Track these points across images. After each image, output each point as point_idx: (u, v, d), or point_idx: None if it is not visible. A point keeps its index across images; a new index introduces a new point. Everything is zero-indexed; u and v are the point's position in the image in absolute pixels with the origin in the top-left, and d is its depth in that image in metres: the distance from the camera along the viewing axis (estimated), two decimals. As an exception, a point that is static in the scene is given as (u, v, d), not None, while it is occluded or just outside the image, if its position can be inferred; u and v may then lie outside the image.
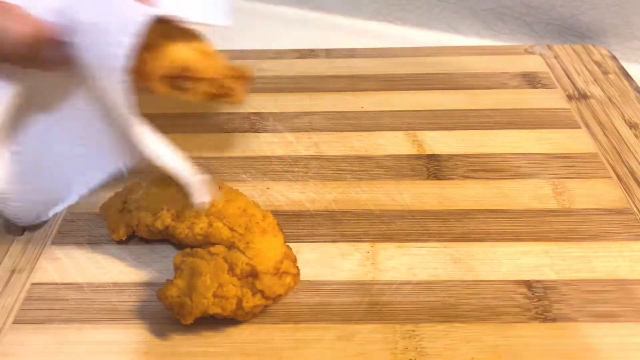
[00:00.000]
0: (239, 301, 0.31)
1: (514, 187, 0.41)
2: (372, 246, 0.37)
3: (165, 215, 0.34)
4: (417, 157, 0.44)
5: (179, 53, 0.34)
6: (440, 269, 0.35)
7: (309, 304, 0.33)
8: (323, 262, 0.36)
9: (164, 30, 0.34)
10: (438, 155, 0.44)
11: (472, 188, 0.41)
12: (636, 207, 0.39)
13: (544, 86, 0.51)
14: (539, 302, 0.33)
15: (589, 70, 0.53)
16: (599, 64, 0.54)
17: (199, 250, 0.32)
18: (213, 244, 0.32)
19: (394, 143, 0.45)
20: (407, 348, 0.31)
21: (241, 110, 0.48)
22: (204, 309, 0.30)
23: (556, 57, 0.55)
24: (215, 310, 0.30)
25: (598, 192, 0.40)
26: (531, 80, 0.52)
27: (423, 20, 0.66)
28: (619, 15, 0.58)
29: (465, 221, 0.38)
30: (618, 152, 0.44)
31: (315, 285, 0.34)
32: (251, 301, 0.31)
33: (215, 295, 0.30)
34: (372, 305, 0.33)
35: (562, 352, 0.31)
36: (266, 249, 0.32)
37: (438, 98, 0.50)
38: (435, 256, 0.36)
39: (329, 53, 0.56)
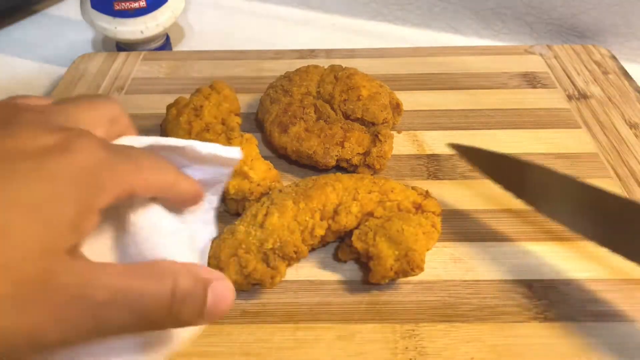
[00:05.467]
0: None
1: (514, 186, 0.41)
2: (372, 246, 0.37)
3: None
4: (417, 157, 0.44)
5: None
6: (440, 269, 0.35)
7: (309, 304, 0.33)
8: (323, 262, 0.36)
9: None
10: (438, 155, 0.44)
11: (472, 188, 0.41)
12: (636, 207, 0.39)
13: (544, 86, 0.51)
14: (539, 301, 0.33)
15: (589, 70, 0.53)
16: (599, 64, 0.54)
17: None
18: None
19: (394, 143, 0.45)
20: (407, 347, 0.31)
21: (245, 111, 0.48)
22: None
23: (556, 57, 0.55)
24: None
25: (598, 192, 0.40)
26: (531, 80, 0.52)
27: (423, 20, 0.66)
28: (619, 15, 0.58)
29: (465, 221, 0.38)
30: (618, 152, 0.44)
31: (315, 285, 0.34)
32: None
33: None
34: (372, 305, 0.33)
35: (562, 351, 0.31)
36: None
37: (438, 98, 0.50)
38: (435, 256, 0.36)
39: (329, 53, 0.56)
